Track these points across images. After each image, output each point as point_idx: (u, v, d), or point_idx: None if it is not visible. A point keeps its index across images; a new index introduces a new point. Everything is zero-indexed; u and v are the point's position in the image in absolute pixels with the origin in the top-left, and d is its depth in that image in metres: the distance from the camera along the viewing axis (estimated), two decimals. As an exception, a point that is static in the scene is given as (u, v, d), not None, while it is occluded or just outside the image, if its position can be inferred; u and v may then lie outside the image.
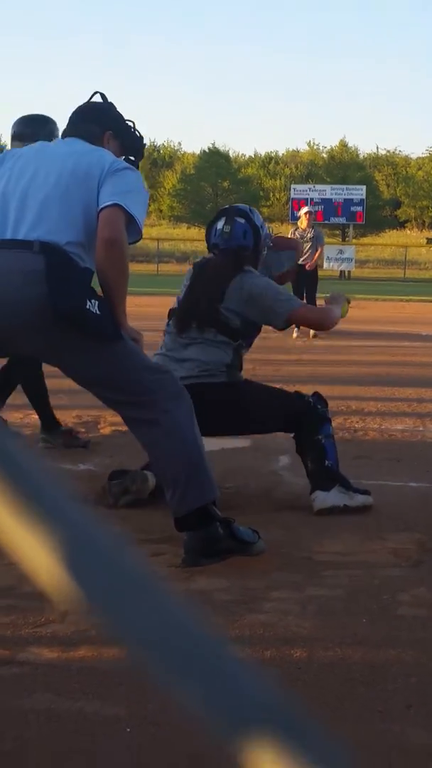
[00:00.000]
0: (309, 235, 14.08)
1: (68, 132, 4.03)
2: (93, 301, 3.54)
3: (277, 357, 11.06)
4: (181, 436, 3.72)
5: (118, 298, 3.69)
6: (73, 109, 4.12)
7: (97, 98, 4.14)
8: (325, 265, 38.06)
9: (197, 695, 0.42)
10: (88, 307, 3.50)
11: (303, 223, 14.16)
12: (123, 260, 3.68)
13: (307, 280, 13.98)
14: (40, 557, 0.50)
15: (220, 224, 4.68)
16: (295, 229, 14.21)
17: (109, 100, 4.16)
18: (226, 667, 0.43)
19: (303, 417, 4.55)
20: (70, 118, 4.08)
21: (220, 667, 0.43)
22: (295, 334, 13.95)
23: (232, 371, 4.59)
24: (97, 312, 3.53)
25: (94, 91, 4.16)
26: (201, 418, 4.00)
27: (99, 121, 4.06)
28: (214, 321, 4.53)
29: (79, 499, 0.53)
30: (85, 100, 4.15)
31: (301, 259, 13.95)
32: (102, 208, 3.63)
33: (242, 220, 4.64)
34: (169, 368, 3.90)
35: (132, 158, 4.10)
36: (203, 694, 0.42)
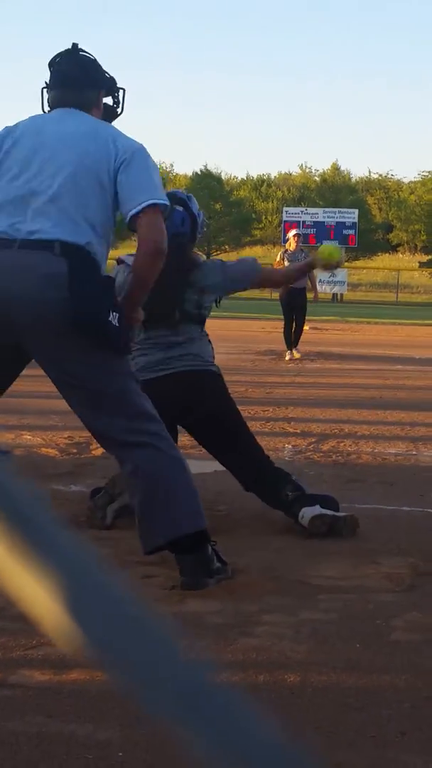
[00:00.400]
0: (300, 257, 14.13)
1: (63, 99, 3.76)
2: (114, 313, 3.47)
3: (269, 380, 11.06)
4: (175, 456, 3.68)
5: (144, 294, 3.69)
6: (57, 67, 3.80)
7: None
8: (318, 288, 37.99)
9: (200, 734, 0.41)
10: (110, 319, 3.44)
11: (292, 245, 14.24)
12: (161, 264, 3.62)
13: (296, 304, 14.11)
14: (39, 595, 0.49)
15: None
16: (285, 252, 14.27)
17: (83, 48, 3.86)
18: (229, 708, 0.42)
19: (265, 475, 4.57)
20: (59, 80, 3.77)
21: (223, 707, 0.42)
22: (287, 357, 14.02)
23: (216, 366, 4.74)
24: (117, 324, 3.47)
25: (73, 43, 3.86)
26: (193, 407, 4.31)
27: (94, 82, 3.81)
28: (189, 316, 4.61)
29: (72, 529, 0.53)
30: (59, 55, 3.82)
31: (293, 282, 14.07)
32: (139, 212, 3.52)
33: (180, 208, 4.66)
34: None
35: (111, 104, 3.90)
36: (206, 733, 0.41)
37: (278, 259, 14.10)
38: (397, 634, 3.25)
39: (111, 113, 3.91)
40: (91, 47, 3.82)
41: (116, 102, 3.91)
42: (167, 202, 3.60)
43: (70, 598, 0.49)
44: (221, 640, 3.13)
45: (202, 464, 5.76)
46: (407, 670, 2.96)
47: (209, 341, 4.73)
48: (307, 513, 4.42)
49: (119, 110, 3.92)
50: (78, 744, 2.43)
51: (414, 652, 3.10)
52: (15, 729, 2.50)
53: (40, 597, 0.50)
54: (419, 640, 3.21)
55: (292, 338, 14.26)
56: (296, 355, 14.16)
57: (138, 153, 3.61)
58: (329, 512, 4.42)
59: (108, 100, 3.91)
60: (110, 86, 3.89)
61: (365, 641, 3.18)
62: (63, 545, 0.51)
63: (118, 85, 3.91)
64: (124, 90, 3.93)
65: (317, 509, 4.42)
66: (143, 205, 3.51)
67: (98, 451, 6.33)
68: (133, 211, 3.52)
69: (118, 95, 3.91)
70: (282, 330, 14.46)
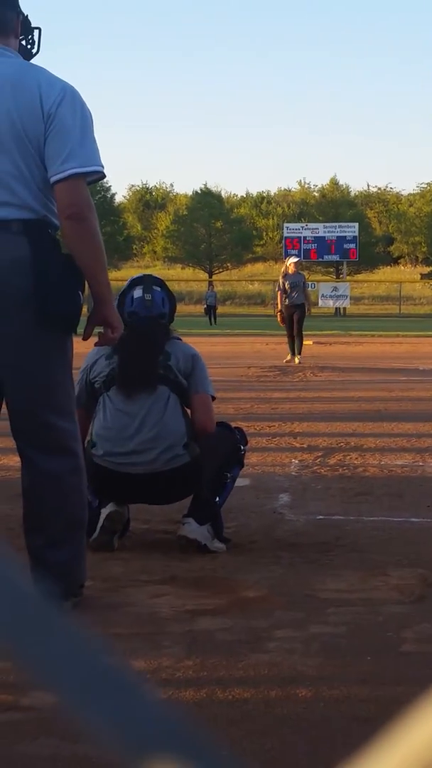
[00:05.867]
0: (300, 280, 15.66)
1: None
2: (81, 293, 3.27)
3: (274, 395, 11.07)
4: (84, 479, 3.51)
5: (100, 275, 3.34)
6: None
7: None
8: (321, 302, 38.17)
9: (99, 720, 0.41)
10: (82, 302, 3.26)
11: (291, 268, 15.56)
12: (96, 234, 3.30)
13: (294, 317, 15.51)
14: None
15: (137, 293, 4.57)
16: (285, 274, 15.58)
17: None
18: (125, 691, 0.42)
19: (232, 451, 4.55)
20: None
21: (118, 691, 0.42)
22: (287, 358, 15.68)
23: (192, 444, 4.44)
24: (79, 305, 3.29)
25: None
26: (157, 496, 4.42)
27: (12, 2, 3.38)
28: (162, 377, 4.43)
29: None
30: None
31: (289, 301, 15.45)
32: (58, 181, 3.20)
33: (158, 289, 4.64)
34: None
35: (24, 43, 3.50)
36: (104, 718, 0.41)
37: (280, 280, 15.61)
38: (407, 646, 3.25)
39: (26, 54, 3.51)
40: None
41: (31, 42, 3.53)
42: (95, 168, 3.25)
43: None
44: (232, 656, 3.13)
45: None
46: (419, 682, 2.95)
47: (182, 408, 4.49)
48: (187, 527, 4.35)
49: (35, 50, 3.54)
50: (90, 765, 2.43)
51: (425, 664, 3.10)
52: (28, 752, 2.50)
53: None
54: (430, 651, 3.20)
55: (294, 346, 15.72)
56: (296, 360, 15.51)
57: (64, 107, 3.22)
58: (202, 542, 4.32)
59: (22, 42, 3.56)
60: (25, 25, 3.51)
61: (376, 654, 3.17)
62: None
63: (33, 25, 3.54)
64: (39, 29, 3.55)
65: (196, 533, 4.33)
66: (63, 174, 3.18)
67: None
68: (55, 178, 3.19)
69: (33, 35, 3.53)
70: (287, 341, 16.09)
